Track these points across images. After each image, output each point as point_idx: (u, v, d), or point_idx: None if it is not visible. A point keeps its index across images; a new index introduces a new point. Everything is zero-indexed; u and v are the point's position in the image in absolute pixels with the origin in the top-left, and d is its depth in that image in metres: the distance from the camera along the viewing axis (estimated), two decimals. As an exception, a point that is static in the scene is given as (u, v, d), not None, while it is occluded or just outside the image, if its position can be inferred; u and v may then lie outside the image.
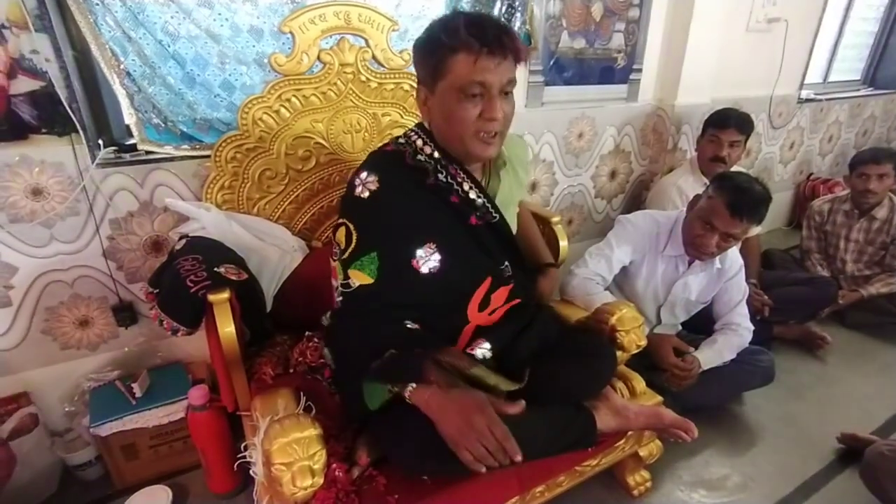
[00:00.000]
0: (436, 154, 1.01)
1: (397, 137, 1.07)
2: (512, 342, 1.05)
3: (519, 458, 0.81)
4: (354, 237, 0.96)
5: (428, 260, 0.98)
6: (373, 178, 0.97)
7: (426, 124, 1.02)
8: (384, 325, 0.95)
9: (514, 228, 1.15)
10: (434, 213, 1.00)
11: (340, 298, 0.99)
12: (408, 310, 0.97)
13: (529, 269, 1.21)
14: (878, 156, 2.10)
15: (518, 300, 1.09)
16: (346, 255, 0.96)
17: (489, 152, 0.97)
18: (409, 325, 0.97)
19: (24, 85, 1.14)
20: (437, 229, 1.00)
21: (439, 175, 1.01)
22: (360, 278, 0.95)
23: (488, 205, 1.05)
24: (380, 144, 1.42)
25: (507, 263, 1.09)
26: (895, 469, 1.20)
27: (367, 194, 0.97)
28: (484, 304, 1.05)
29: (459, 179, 1.02)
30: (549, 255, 1.32)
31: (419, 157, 1.01)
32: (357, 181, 0.98)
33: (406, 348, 0.90)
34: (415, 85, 1.42)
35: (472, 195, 1.03)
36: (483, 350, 1.01)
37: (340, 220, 1.00)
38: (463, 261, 1.02)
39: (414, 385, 0.87)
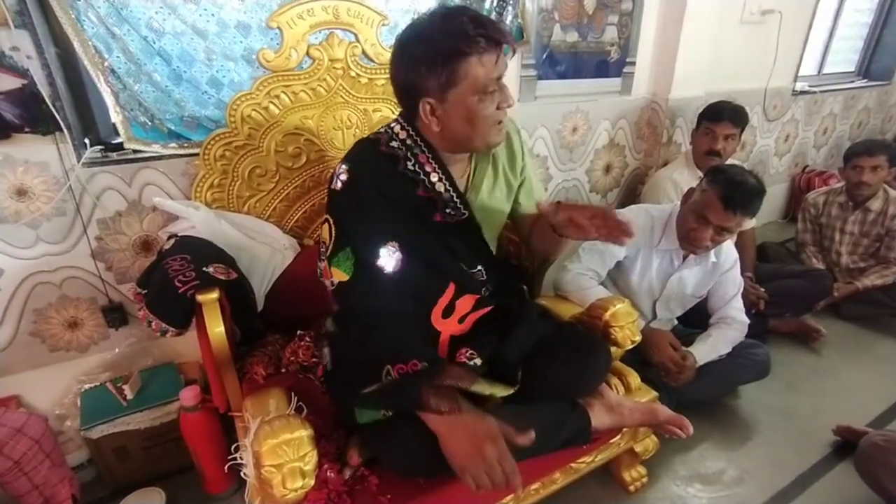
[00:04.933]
0: (408, 140, 0.99)
1: (381, 127, 1.05)
2: (500, 347, 1.02)
3: (521, 492, 0.81)
4: (333, 232, 0.95)
5: (390, 259, 0.95)
6: (344, 168, 0.97)
7: (427, 130, 0.97)
8: (377, 334, 0.92)
9: (495, 230, 1.12)
10: (399, 210, 0.98)
11: (333, 298, 0.98)
12: (385, 324, 0.93)
13: (517, 269, 1.18)
14: (872, 148, 2.09)
15: (490, 308, 1.06)
16: (329, 251, 0.96)
17: (503, 137, 0.99)
18: (407, 333, 0.94)
19: (4, 83, 1.11)
20: (400, 227, 0.97)
21: (408, 163, 0.99)
22: (338, 275, 0.94)
23: (457, 199, 1.02)
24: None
25: (480, 267, 1.07)
26: (889, 459, 1.20)
27: (339, 186, 0.96)
28: (448, 312, 1.02)
29: (428, 169, 0.99)
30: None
31: (392, 142, 0.99)
32: (334, 174, 0.98)
33: (404, 368, 0.87)
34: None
35: (440, 187, 1.00)
36: (473, 360, 0.99)
37: (325, 217, 0.99)
38: (425, 263, 0.99)
39: None
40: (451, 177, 1.01)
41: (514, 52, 0.92)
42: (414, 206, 0.99)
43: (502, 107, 0.93)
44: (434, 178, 1.00)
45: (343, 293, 0.95)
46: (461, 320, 1.04)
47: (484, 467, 0.80)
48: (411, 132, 0.99)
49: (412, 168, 0.99)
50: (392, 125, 1.02)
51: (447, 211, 1.02)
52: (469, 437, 0.82)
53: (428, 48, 0.87)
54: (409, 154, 0.99)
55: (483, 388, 0.92)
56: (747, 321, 1.62)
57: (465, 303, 1.04)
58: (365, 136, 1.06)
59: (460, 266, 1.05)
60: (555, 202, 0.95)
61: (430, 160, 0.99)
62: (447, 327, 1.02)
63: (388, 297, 0.95)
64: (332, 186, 0.98)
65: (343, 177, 0.96)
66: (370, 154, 0.99)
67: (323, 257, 0.98)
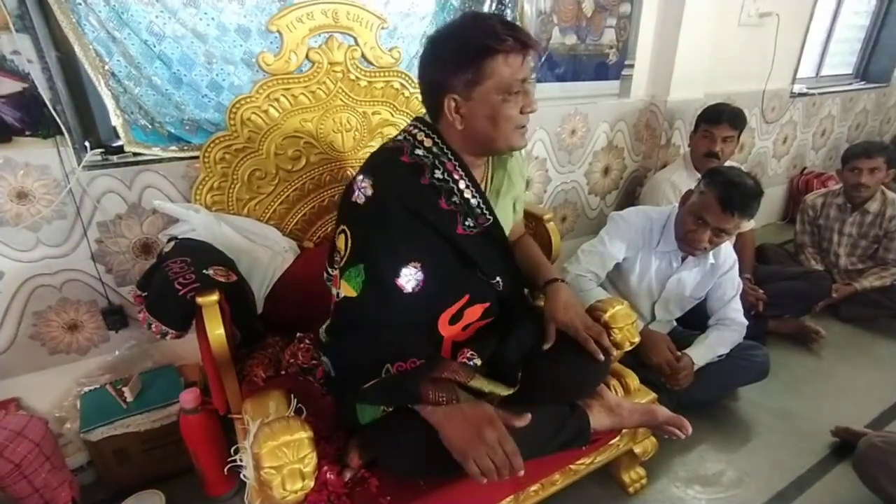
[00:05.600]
0: (434, 148, 0.97)
1: (398, 133, 1.04)
2: (500, 348, 1.03)
3: (523, 473, 0.81)
4: (349, 245, 0.94)
5: (411, 279, 0.94)
6: (367, 182, 0.94)
7: (450, 130, 0.96)
8: (377, 338, 0.92)
9: (506, 231, 1.13)
10: (423, 226, 0.96)
11: (333, 308, 0.98)
12: (386, 328, 0.93)
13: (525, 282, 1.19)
14: (870, 150, 2.10)
15: (491, 318, 1.07)
16: (343, 263, 0.94)
17: (525, 141, 1.00)
18: (407, 336, 0.94)
19: (5, 86, 1.12)
20: (422, 247, 0.96)
21: (436, 171, 0.97)
22: (345, 290, 0.93)
23: (483, 206, 1.01)
24: (371, 143, 1.44)
25: (498, 278, 1.07)
26: (888, 460, 1.21)
27: (362, 200, 0.94)
28: (455, 319, 1.02)
29: (456, 177, 0.98)
30: (552, 271, 1.18)
31: (417, 151, 0.98)
32: (355, 185, 0.96)
33: (403, 366, 0.87)
34: (404, 83, 1.43)
35: (468, 194, 0.99)
36: (473, 360, 0.99)
37: (341, 227, 0.97)
38: (444, 280, 0.99)
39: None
40: (477, 184, 1.01)
41: (540, 58, 0.95)
42: (436, 219, 0.97)
43: (525, 111, 0.94)
44: (462, 185, 0.99)
45: (344, 308, 0.94)
46: (465, 328, 1.04)
47: (485, 449, 0.80)
48: (437, 140, 0.97)
49: (440, 176, 0.97)
50: (413, 132, 0.99)
51: (467, 223, 1.01)
52: (467, 423, 0.83)
53: (458, 45, 0.89)
54: (436, 162, 0.97)
55: (482, 384, 0.92)
56: (746, 323, 1.62)
57: (474, 312, 1.04)
58: (365, 140, 1.06)
59: (479, 277, 1.05)
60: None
61: (457, 168, 0.98)
62: (451, 333, 1.02)
63: (397, 313, 0.94)
64: (354, 199, 0.95)
65: (367, 191, 0.93)
66: (393, 165, 0.97)
67: (336, 266, 0.97)
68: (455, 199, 0.99)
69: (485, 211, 1.02)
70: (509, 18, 1.69)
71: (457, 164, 0.98)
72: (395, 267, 0.93)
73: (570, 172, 2.16)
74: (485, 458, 0.80)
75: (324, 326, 0.99)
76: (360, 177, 0.96)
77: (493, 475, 0.81)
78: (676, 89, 2.16)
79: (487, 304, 1.06)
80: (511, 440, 0.82)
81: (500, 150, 0.99)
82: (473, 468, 0.81)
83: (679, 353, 1.51)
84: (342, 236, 0.96)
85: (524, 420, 0.86)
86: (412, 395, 0.85)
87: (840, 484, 1.39)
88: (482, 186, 1.05)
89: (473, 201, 1.00)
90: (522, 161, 1.18)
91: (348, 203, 0.96)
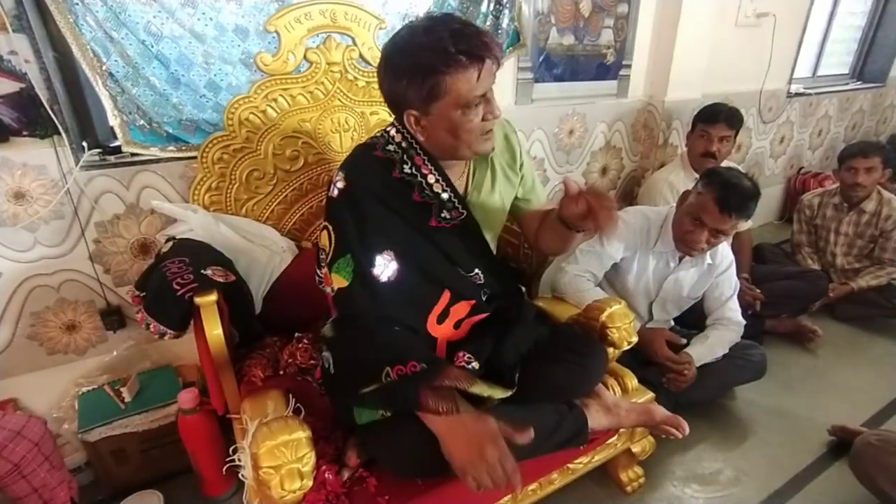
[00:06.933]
0: (404, 143, 0.99)
1: (378, 130, 1.06)
2: (497, 349, 1.03)
3: (520, 490, 0.82)
4: (333, 239, 0.96)
5: (385, 268, 0.95)
6: (340, 176, 0.97)
7: (419, 138, 0.97)
8: (377, 337, 0.92)
9: (494, 231, 1.13)
10: (395, 216, 0.98)
11: (333, 305, 0.99)
12: (384, 326, 0.94)
13: (514, 271, 1.18)
14: (866, 149, 2.11)
15: (485, 314, 1.07)
16: (329, 257, 0.96)
17: (492, 144, 0.99)
18: (406, 336, 0.95)
19: (2, 86, 1.12)
20: (396, 236, 0.98)
21: (404, 166, 0.99)
22: (338, 282, 0.94)
23: (454, 199, 1.02)
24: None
25: (477, 271, 1.07)
26: (882, 458, 1.21)
27: (335, 193, 0.97)
28: (442, 318, 1.02)
29: (424, 171, 1.00)
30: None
31: (389, 146, 1.00)
32: (332, 182, 0.99)
33: (403, 370, 0.87)
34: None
35: (437, 188, 1.01)
36: (471, 364, 0.99)
37: (323, 224, 1.00)
38: (422, 271, 1.00)
39: None
40: (447, 178, 1.02)
41: (500, 65, 0.93)
42: (409, 211, 0.99)
43: (488, 118, 0.93)
44: (431, 179, 1.00)
45: (342, 299, 0.95)
46: (457, 325, 1.04)
47: (485, 468, 0.80)
48: (406, 135, 0.99)
49: (408, 171, 0.99)
50: (388, 129, 1.03)
51: (442, 215, 1.02)
52: (469, 438, 0.82)
53: (409, 63, 0.87)
54: (405, 157, 0.99)
55: (482, 389, 0.92)
56: (743, 322, 1.63)
57: (461, 309, 1.04)
58: (363, 140, 1.07)
59: (456, 271, 1.06)
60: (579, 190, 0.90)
61: (426, 162, 1.00)
62: (443, 333, 1.03)
63: (386, 303, 0.95)
64: (330, 194, 0.99)
65: (339, 184, 0.97)
66: (365, 160, 1.00)
67: (323, 264, 0.98)
68: (427, 192, 1.00)
69: (457, 205, 1.03)
70: (507, 19, 1.69)
71: (426, 158, 1.00)
72: (368, 256, 0.95)
73: (569, 172, 2.17)
74: (484, 476, 0.80)
75: (329, 322, 1.00)
76: (337, 172, 0.99)
77: (489, 489, 0.81)
78: (674, 89, 2.17)
79: (473, 302, 1.06)
80: (511, 459, 0.81)
81: (464, 156, 1.00)
82: (471, 483, 0.81)
83: (682, 343, 1.52)
84: (324, 232, 0.98)
85: (527, 437, 0.85)
86: (412, 402, 0.85)
87: (836, 482, 1.40)
88: (463, 181, 1.06)
89: (444, 195, 1.02)
90: (510, 150, 1.13)
91: (327, 198, 0.99)
